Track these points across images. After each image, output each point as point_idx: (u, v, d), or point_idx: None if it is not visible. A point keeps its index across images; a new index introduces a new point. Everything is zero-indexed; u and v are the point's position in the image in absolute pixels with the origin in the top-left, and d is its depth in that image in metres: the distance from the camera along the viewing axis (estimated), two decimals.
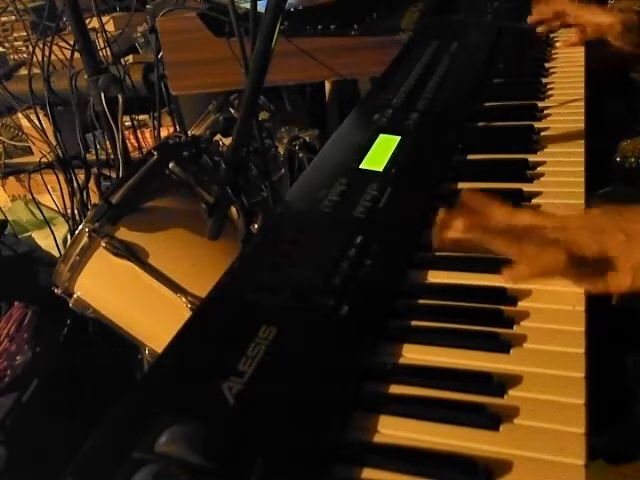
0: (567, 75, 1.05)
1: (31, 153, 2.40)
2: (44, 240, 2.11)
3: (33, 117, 1.89)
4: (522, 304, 0.59)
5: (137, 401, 0.51)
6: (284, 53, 1.36)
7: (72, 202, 1.85)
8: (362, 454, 0.47)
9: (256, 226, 0.85)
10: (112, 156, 1.75)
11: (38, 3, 2.23)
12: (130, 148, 1.85)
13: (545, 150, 0.84)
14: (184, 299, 1.07)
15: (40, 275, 1.79)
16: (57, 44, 1.79)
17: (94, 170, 1.85)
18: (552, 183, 0.76)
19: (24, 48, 2.43)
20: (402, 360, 0.55)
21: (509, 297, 0.60)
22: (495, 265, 0.61)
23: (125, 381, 1.45)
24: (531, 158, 0.81)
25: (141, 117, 2.05)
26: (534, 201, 0.73)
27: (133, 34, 2.14)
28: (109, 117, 1.59)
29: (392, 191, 0.75)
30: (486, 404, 0.49)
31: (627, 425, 0.86)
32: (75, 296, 1.14)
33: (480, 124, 0.94)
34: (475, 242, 0.60)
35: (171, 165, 1.14)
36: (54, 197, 2.02)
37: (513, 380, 0.51)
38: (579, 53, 1.10)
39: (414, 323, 0.59)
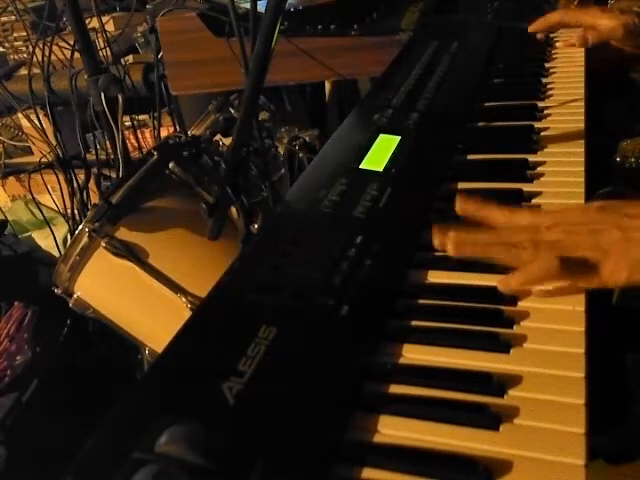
0: (567, 75, 1.05)
1: (31, 153, 2.40)
2: (44, 240, 2.11)
3: (33, 117, 1.89)
4: (522, 304, 0.59)
5: (137, 401, 0.51)
6: (284, 53, 1.36)
7: (72, 202, 1.85)
8: (362, 454, 0.47)
9: (256, 226, 0.85)
10: (112, 156, 1.75)
11: (38, 3, 2.23)
12: (130, 148, 1.85)
13: (545, 150, 0.84)
14: (184, 299, 1.07)
15: (40, 275, 1.79)
16: (57, 44, 1.79)
17: (94, 170, 1.85)
18: (552, 183, 0.76)
19: (24, 48, 2.43)
20: (402, 360, 0.55)
21: (509, 297, 0.60)
22: (495, 265, 0.61)
23: (125, 381, 1.45)
24: (531, 158, 0.81)
25: (141, 117, 2.05)
26: (534, 201, 0.73)
27: (133, 34, 2.14)
28: (109, 117, 1.59)
29: (392, 191, 0.75)
30: (486, 404, 0.49)
31: (627, 425, 0.86)
32: (75, 296, 1.14)
33: (480, 124, 0.94)
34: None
35: (171, 165, 1.14)
36: (54, 197, 2.02)
37: (513, 380, 0.51)
38: (579, 53, 1.10)
39: (414, 323, 0.59)
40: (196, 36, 1.46)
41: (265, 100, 1.68)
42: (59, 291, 1.15)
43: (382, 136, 0.86)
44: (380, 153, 0.82)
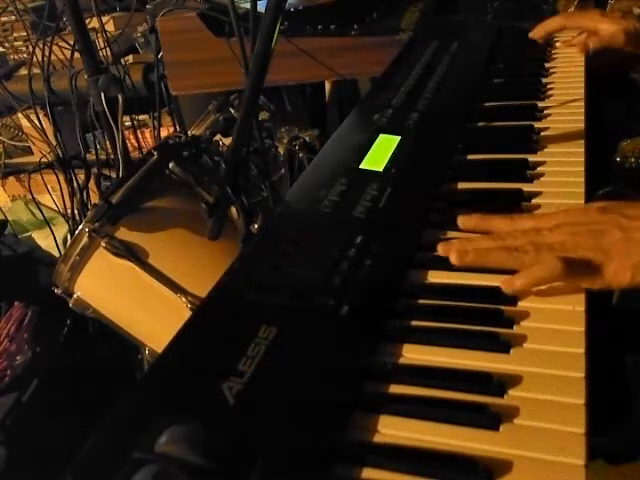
0: (567, 75, 1.05)
1: (31, 153, 2.40)
2: (44, 240, 2.11)
3: (33, 117, 1.89)
4: (522, 304, 0.59)
5: (137, 401, 0.51)
6: (284, 53, 1.36)
7: (72, 202, 1.85)
8: (362, 454, 0.47)
9: (256, 226, 0.85)
10: (112, 156, 1.76)
11: (38, 3, 2.23)
12: (130, 148, 1.85)
13: (545, 150, 0.84)
14: (184, 299, 1.07)
15: (40, 275, 1.80)
16: (57, 44, 1.79)
17: (94, 170, 1.85)
18: (552, 183, 0.76)
19: (24, 48, 2.43)
20: (402, 360, 0.55)
21: (509, 297, 0.60)
22: None
23: (125, 381, 1.45)
24: (531, 158, 0.81)
25: (141, 117, 2.05)
26: (534, 201, 0.73)
27: (133, 34, 2.14)
28: (109, 117, 1.59)
29: (392, 191, 0.75)
30: (486, 404, 0.49)
31: (627, 425, 0.86)
32: (75, 296, 1.14)
33: (480, 124, 0.94)
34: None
35: (171, 165, 1.14)
36: (54, 197, 2.02)
37: (513, 380, 0.51)
38: (579, 53, 1.10)
39: (414, 323, 0.59)
40: (196, 36, 1.46)
41: (265, 100, 1.68)
42: (59, 291, 1.15)
43: (382, 136, 0.86)
44: (380, 153, 0.82)
